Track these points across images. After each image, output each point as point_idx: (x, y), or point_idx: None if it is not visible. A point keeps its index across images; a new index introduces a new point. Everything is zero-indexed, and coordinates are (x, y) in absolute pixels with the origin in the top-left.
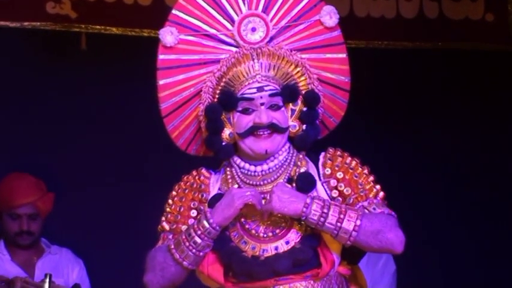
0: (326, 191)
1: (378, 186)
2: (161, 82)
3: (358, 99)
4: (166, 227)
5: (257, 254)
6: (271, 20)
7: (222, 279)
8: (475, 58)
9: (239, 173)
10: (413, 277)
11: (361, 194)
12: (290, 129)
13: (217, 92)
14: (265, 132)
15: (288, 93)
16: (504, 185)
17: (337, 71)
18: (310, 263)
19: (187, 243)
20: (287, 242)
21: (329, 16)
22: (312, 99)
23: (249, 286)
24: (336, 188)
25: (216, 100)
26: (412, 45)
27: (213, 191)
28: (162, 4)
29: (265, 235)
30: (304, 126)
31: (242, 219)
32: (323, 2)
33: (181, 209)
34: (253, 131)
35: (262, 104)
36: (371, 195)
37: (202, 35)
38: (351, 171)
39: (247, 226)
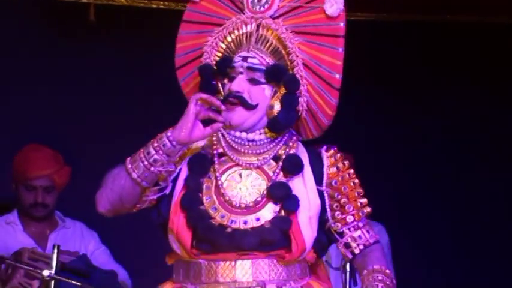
0: (324, 198)
1: (365, 200)
2: (180, 33)
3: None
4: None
5: (225, 223)
6: None
7: (189, 244)
8: (482, 32)
9: (227, 137)
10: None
11: (357, 211)
12: (268, 109)
13: (216, 54)
14: (233, 102)
15: (271, 72)
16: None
17: (327, 64)
18: (278, 244)
19: (141, 155)
20: (257, 219)
21: (330, 4)
22: (291, 82)
23: (211, 257)
24: (338, 201)
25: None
26: (421, 18)
27: (196, 146)
28: None
29: (237, 205)
30: (280, 110)
31: (220, 183)
32: None
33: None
34: (226, 98)
35: (241, 73)
36: (362, 212)
37: None
38: (352, 185)
39: (222, 191)
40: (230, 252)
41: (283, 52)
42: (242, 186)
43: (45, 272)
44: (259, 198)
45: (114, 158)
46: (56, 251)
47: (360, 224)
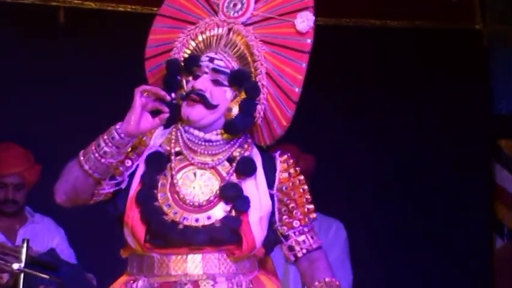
0: (274, 201)
1: (312, 207)
2: (155, 26)
3: (322, 74)
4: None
5: (177, 220)
6: (255, 8)
7: (143, 238)
8: (439, 37)
9: (184, 136)
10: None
11: (304, 216)
12: (227, 111)
13: (185, 51)
14: (194, 99)
15: (234, 76)
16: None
17: (289, 76)
18: (229, 240)
19: (93, 147)
20: (209, 217)
21: (302, 20)
22: (252, 89)
23: (164, 252)
24: (286, 205)
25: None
26: (380, 23)
27: (153, 143)
28: None
29: (191, 203)
30: (237, 113)
31: (175, 181)
32: (310, 8)
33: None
34: (188, 94)
35: (206, 73)
36: (309, 218)
37: None
38: (301, 191)
39: (176, 189)
40: (182, 247)
41: (249, 59)
42: (196, 185)
43: (15, 265)
44: (211, 198)
45: None
46: (25, 245)
47: (306, 229)
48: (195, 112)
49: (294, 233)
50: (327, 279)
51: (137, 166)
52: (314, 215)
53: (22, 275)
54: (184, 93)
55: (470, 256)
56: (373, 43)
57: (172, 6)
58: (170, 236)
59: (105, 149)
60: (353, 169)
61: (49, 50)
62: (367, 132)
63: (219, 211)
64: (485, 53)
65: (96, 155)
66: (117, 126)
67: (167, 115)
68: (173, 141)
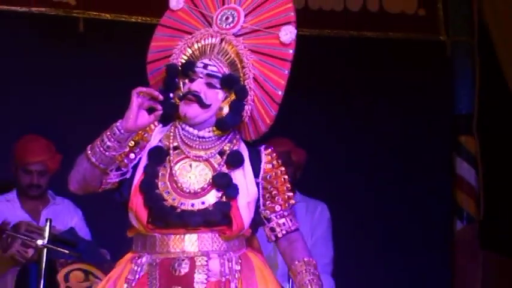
0: (259, 188)
1: (291, 194)
2: (156, 34)
3: (307, 78)
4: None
5: (175, 205)
6: (245, 21)
7: (145, 221)
8: (409, 46)
9: (181, 133)
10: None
11: (284, 202)
12: (218, 110)
13: (182, 57)
14: (191, 99)
15: (226, 80)
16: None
17: (273, 81)
18: (220, 222)
19: (98, 142)
20: (203, 202)
21: (285, 32)
22: (241, 92)
23: (164, 232)
24: (270, 192)
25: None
26: (357, 34)
27: (154, 139)
28: None
29: (187, 191)
30: (227, 112)
31: (173, 171)
32: (293, 22)
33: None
34: (185, 95)
35: (201, 78)
36: (288, 204)
37: (198, 11)
38: (282, 180)
39: (175, 178)
40: (179, 228)
41: (239, 65)
42: (191, 175)
43: (39, 242)
44: (205, 186)
45: None
46: (48, 224)
47: (286, 213)
48: (191, 110)
49: (276, 216)
50: (305, 259)
51: (140, 159)
52: (293, 201)
53: (45, 250)
54: (181, 94)
55: (434, 236)
56: (352, 51)
57: (172, 17)
58: (169, 218)
59: (108, 143)
60: (335, 162)
61: (70, 54)
62: (345, 129)
63: (212, 197)
64: (448, 61)
65: (101, 148)
66: (118, 123)
67: (161, 112)
68: (171, 137)
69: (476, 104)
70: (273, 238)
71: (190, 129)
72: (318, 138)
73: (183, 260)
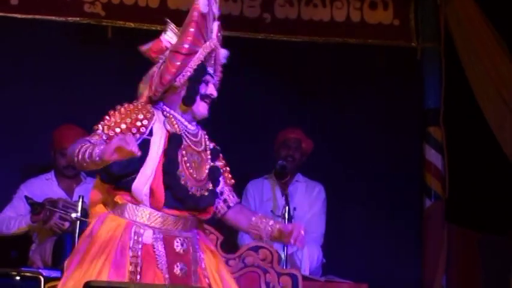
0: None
1: (231, 176)
2: (191, 29)
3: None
4: (105, 130)
5: (188, 188)
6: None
7: (163, 199)
8: (385, 51)
9: (179, 123)
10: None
11: (229, 180)
12: None
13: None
14: (208, 102)
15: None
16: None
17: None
18: (209, 207)
19: (86, 157)
20: (205, 190)
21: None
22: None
23: (171, 212)
24: (225, 177)
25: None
26: (341, 41)
27: (156, 125)
28: (165, 7)
29: (195, 177)
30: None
31: (185, 158)
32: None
33: (123, 127)
34: (208, 96)
35: (213, 82)
36: (231, 182)
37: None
38: (225, 163)
39: (187, 164)
40: (185, 210)
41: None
42: (196, 164)
43: (73, 215)
44: (204, 176)
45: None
46: (80, 200)
47: (231, 189)
48: (207, 111)
49: (228, 189)
50: (259, 215)
51: (142, 140)
52: (233, 181)
53: (78, 222)
54: (203, 94)
55: (407, 212)
56: (337, 55)
57: (200, 20)
58: (185, 200)
59: (93, 160)
60: (329, 151)
61: (100, 58)
62: (333, 122)
63: (208, 186)
64: (418, 64)
65: (90, 161)
66: (97, 151)
67: (137, 155)
68: (174, 124)
69: (443, 99)
70: (226, 208)
71: (185, 122)
72: (312, 130)
73: (182, 238)
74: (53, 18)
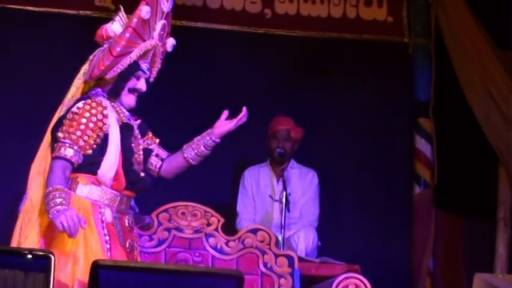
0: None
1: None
2: (127, 35)
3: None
4: (73, 138)
5: (138, 171)
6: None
7: (125, 183)
8: (379, 46)
9: (121, 108)
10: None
11: (155, 139)
12: None
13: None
14: (136, 94)
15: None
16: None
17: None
18: None
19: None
20: (144, 172)
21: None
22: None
23: (125, 193)
24: (150, 137)
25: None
26: (338, 36)
27: (110, 115)
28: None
29: (139, 160)
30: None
31: (132, 145)
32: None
33: (89, 133)
34: (134, 91)
35: (143, 77)
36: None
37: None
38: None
39: (134, 150)
40: (133, 191)
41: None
42: (138, 149)
43: None
44: (141, 158)
45: None
46: None
47: (159, 146)
48: (134, 102)
49: (155, 147)
50: (188, 144)
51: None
52: (158, 140)
53: None
54: (132, 88)
55: (398, 198)
56: (334, 49)
57: (138, 24)
58: (136, 183)
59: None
60: (323, 139)
61: None
62: (330, 111)
63: (143, 167)
64: (410, 59)
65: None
66: (57, 195)
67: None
68: (121, 114)
69: (432, 92)
70: (160, 161)
71: (124, 109)
72: (306, 120)
73: (129, 216)
74: (65, 11)
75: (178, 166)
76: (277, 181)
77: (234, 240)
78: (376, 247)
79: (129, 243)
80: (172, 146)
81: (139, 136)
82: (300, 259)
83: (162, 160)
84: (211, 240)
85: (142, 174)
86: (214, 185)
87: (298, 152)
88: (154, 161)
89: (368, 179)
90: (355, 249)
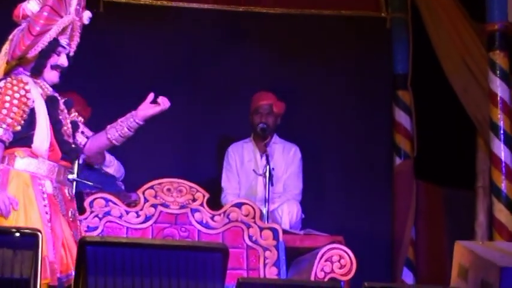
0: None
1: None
2: (45, 13)
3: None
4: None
5: (70, 142)
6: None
7: (60, 154)
8: (358, 21)
9: (44, 84)
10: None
11: (79, 118)
12: None
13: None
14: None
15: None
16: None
17: None
18: None
19: None
20: (76, 143)
21: (87, 17)
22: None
23: (62, 163)
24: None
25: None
26: (317, 12)
27: (33, 90)
28: None
29: (69, 132)
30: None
31: (63, 116)
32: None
33: (14, 110)
34: (57, 67)
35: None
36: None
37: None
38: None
39: (63, 122)
40: (68, 161)
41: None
42: (66, 122)
43: (70, 176)
44: (70, 130)
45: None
46: (76, 162)
47: (83, 125)
48: (58, 78)
49: (81, 125)
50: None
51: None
52: (81, 118)
53: (75, 183)
54: (55, 64)
55: (379, 169)
56: (312, 25)
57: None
58: (70, 153)
59: None
60: (304, 113)
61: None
62: (310, 85)
63: (73, 139)
64: (388, 33)
65: None
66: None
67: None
68: (44, 88)
69: (410, 65)
70: (85, 139)
71: (47, 85)
72: (287, 94)
73: (67, 187)
74: None
75: (101, 146)
76: (261, 156)
77: (220, 215)
78: (359, 218)
79: (71, 212)
80: None
81: (66, 110)
82: (285, 232)
83: (87, 138)
84: (197, 215)
85: (73, 145)
86: (200, 161)
87: (280, 126)
88: (80, 138)
89: (349, 152)
90: (338, 221)
